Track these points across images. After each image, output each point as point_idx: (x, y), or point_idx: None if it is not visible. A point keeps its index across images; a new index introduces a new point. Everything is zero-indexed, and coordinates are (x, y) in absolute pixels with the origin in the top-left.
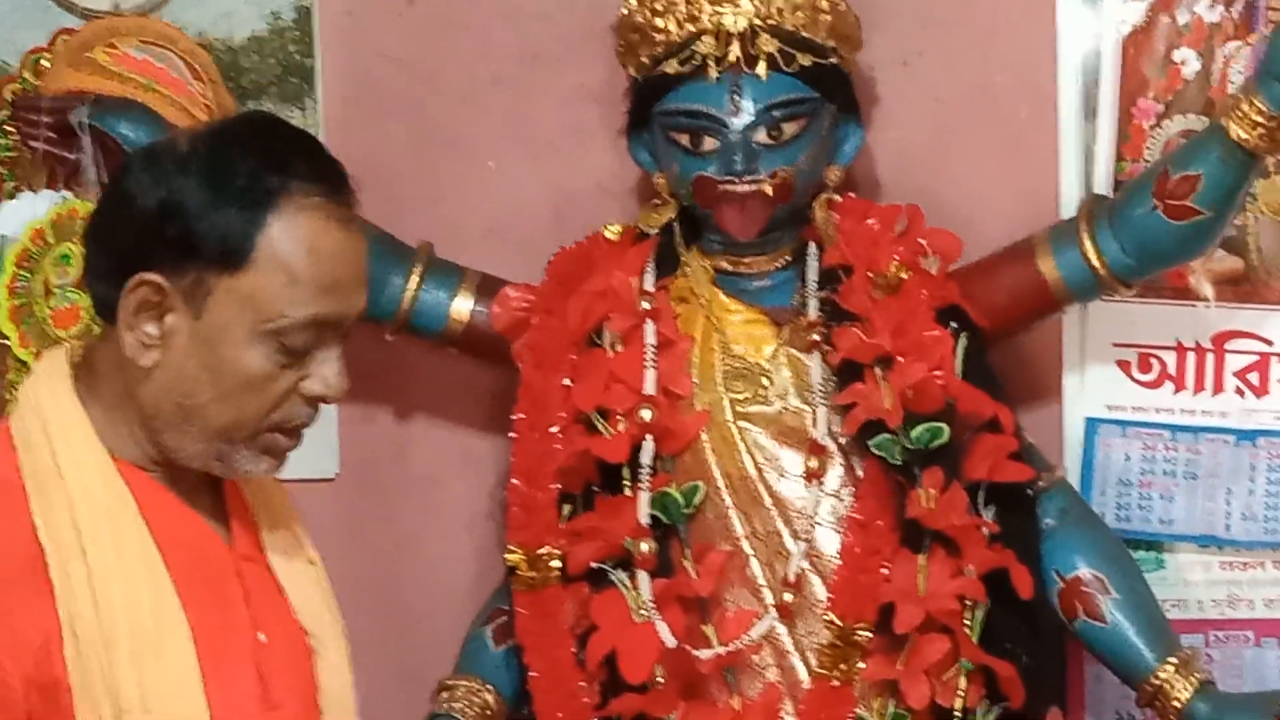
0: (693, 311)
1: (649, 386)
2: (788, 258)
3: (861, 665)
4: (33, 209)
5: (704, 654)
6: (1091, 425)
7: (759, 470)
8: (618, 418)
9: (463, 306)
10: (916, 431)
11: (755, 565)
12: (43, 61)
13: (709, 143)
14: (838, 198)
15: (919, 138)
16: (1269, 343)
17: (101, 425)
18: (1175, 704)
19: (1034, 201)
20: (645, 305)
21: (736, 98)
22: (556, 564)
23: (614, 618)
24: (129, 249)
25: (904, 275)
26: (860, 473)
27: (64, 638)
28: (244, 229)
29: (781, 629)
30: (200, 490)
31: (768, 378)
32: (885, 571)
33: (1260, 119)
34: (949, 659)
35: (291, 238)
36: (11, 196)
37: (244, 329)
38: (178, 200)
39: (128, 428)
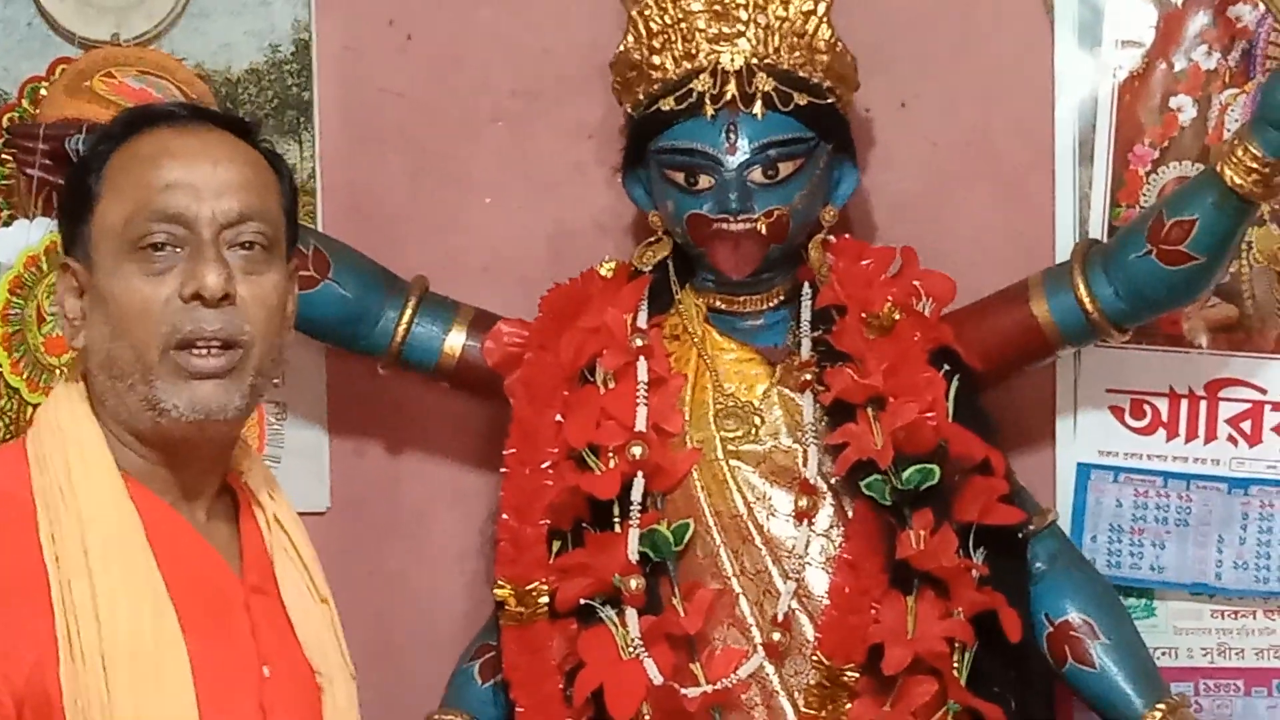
0: (685, 349)
1: (640, 423)
2: (781, 297)
3: (849, 706)
4: (27, 236)
5: (691, 692)
6: (1083, 471)
7: (749, 509)
8: (609, 454)
9: (456, 341)
10: (907, 473)
11: (744, 604)
12: (41, 90)
13: (704, 181)
14: (832, 239)
15: (915, 180)
16: (1262, 391)
17: (111, 443)
18: None
19: (1029, 245)
20: (638, 342)
21: (732, 136)
22: (545, 600)
23: (602, 654)
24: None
25: (897, 316)
26: (850, 513)
27: (60, 655)
28: (94, 167)
29: (769, 668)
30: (216, 520)
31: (759, 416)
32: (874, 612)
33: (1255, 165)
34: (937, 701)
35: (128, 155)
36: (6, 224)
37: (112, 256)
38: (65, 182)
39: (118, 434)
